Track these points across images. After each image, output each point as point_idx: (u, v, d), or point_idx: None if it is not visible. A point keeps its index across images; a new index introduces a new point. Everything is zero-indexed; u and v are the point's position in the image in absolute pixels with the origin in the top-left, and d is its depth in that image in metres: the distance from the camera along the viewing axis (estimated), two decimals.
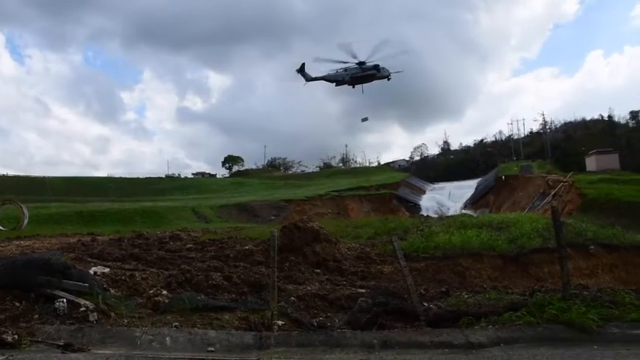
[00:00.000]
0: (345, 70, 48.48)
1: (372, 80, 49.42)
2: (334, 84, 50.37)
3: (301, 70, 50.10)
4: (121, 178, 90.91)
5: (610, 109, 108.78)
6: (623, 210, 36.70)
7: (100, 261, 11.14)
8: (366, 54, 47.58)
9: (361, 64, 47.77)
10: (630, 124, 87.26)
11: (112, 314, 7.03)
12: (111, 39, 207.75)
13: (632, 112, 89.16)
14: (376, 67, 48.06)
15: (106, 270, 9.60)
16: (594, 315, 7.05)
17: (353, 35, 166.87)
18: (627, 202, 40.83)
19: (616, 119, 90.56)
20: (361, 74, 48.34)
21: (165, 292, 8.20)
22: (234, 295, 8.41)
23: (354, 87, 50.08)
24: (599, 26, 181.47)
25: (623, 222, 26.14)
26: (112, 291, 8.24)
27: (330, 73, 49.29)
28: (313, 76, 49.98)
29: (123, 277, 8.98)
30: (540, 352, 6.23)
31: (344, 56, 47.97)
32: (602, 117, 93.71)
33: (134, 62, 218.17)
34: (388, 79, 50.16)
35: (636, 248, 15.57)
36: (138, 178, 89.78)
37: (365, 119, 60.06)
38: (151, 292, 8.19)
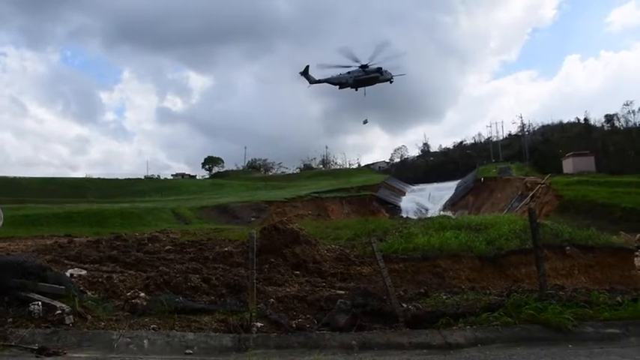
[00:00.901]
0: (349, 73, 48.88)
1: (374, 83, 49.99)
2: (337, 86, 50.74)
3: (305, 73, 50.39)
4: (99, 179, 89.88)
5: (586, 112, 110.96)
6: (599, 211, 37.43)
7: (77, 263, 11.02)
8: (357, 56, 47.95)
9: (364, 67, 48.22)
10: (605, 128, 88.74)
11: (89, 317, 6.95)
12: (91, 38, 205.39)
13: (607, 116, 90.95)
14: (379, 70, 48.58)
15: (83, 272, 9.49)
16: (570, 315, 7.17)
17: (335, 37, 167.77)
18: (602, 204, 41.62)
19: (592, 122, 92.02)
20: (365, 77, 48.88)
21: (143, 294, 8.13)
22: (212, 297, 8.36)
23: (356, 89, 50.60)
24: (576, 31, 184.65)
25: (598, 223, 26.63)
26: (89, 293, 8.14)
27: (334, 75, 49.67)
28: (317, 78, 50.31)
29: (100, 279, 8.88)
30: (517, 352, 6.32)
31: (343, 60, 48.52)
32: (578, 120, 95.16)
33: (114, 62, 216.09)
34: (390, 82, 50.74)
35: (611, 249, 15.86)
36: (117, 179, 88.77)
37: (365, 122, 60.50)
38: (129, 294, 8.11)
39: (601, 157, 68.11)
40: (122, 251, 13.76)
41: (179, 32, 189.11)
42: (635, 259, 18.11)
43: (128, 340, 6.29)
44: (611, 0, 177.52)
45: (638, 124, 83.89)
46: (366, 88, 50.45)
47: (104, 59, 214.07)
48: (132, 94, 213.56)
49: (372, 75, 48.88)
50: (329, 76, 50.08)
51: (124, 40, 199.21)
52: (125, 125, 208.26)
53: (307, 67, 50.21)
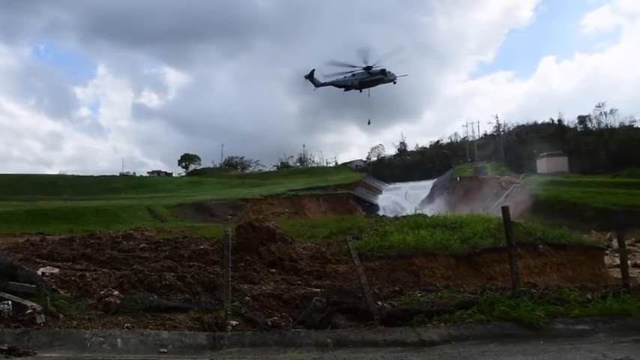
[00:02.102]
0: (353, 75, 49.23)
1: (378, 84, 50.42)
2: (343, 89, 51.06)
3: (310, 76, 50.63)
4: (73, 176, 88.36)
5: (560, 113, 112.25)
6: (571, 210, 38.11)
7: (50, 261, 10.86)
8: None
9: (368, 68, 48.62)
10: (578, 129, 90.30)
11: (61, 316, 6.85)
12: (66, 32, 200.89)
13: (580, 117, 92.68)
14: (383, 71, 49.09)
15: (55, 270, 9.35)
16: (541, 312, 7.31)
17: (315, 35, 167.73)
18: (574, 204, 42.41)
19: (565, 123, 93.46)
20: (369, 79, 49.25)
21: (117, 292, 8.04)
22: (187, 296, 8.31)
23: (361, 91, 50.91)
24: (551, 33, 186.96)
25: (570, 222, 27.12)
26: (62, 292, 8.01)
27: (339, 78, 50.07)
28: (322, 81, 50.63)
29: (73, 278, 8.75)
30: (490, 349, 6.40)
31: (343, 62, 48.98)
32: (552, 121, 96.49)
33: (89, 57, 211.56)
34: (394, 83, 51.23)
35: (582, 247, 16.19)
36: (91, 176, 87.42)
37: (369, 122, 61.09)
38: (102, 292, 8.02)
39: (574, 158, 69.35)
40: (96, 249, 13.60)
41: (156, 28, 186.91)
42: (605, 257, 18.51)
43: (101, 339, 6.21)
44: (585, 4, 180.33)
45: (609, 125, 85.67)
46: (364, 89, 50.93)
47: (79, 54, 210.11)
48: (107, 89, 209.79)
49: (377, 77, 49.39)
50: (334, 79, 50.54)
51: (101, 35, 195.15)
52: (100, 121, 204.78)
53: (313, 70, 50.63)
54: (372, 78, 49.22)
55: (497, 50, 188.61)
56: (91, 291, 8.26)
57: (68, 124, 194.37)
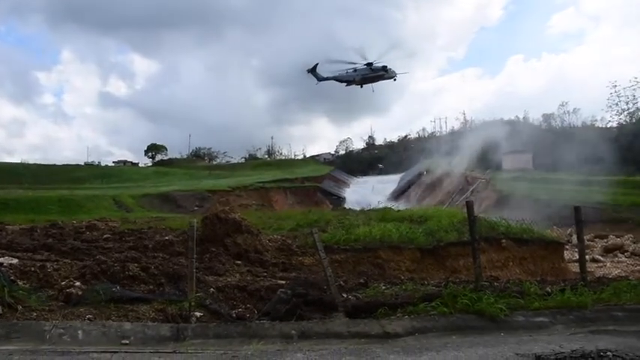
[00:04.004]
0: (355, 70, 49.85)
1: (379, 80, 51.06)
2: (345, 84, 51.51)
3: (313, 70, 51.11)
4: (36, 164, 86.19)
5: (525, 111, 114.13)
6: (533, 206, 38.85)
7: (9, 251, 10.57)
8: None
9: (369, 64, 49.05)
10: (543, 126, 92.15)
11: (19, 307, 6.69)
12: (32, 14, 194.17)
13: (544, 115, 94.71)
14: (384, 68, 49.92)
15: (14, 261, 9.13)
16: (503, 305, 7.50)
17: (288, 27, 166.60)
18: (536, 199, 43.35)
19: (530, 121, 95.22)
20: (371, 75, 49.97)
21: (78, 283, 7.90)
22: (151, 287, 8.21)
23: (362, 87, 51.53)
24: (520, 32, 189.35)
25: (532, 217, 27.61)
26: (21, 283, 7.82)
27: (342, 73, 50.49)
28: (325, 75, 51.19)
29: (33, 268, 8.54)
30: (452, 340, 6.54)
31: (347, 57, 50.09)
32: (518, 118, 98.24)
33: (54, 41, 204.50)
34: (394, 80, 51.88)
35: (543, 242, 16.61)
36: (55, 165, 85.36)
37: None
38: (64, 283, 7.87)
39: (538, 155, 70.69)
40: (58, 239, 13.35)
41: (127, 13, 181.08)
42: (566, 252, 19.01)
43: (61, 330, 6.10)
44: (552, 5, 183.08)
45: (572, 124, 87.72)
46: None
47: (42, 37, 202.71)
48: (73, 75, 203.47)
49: (378, 73, 50.16)
50: (336, 74, 51.06)
51: (69, 19, 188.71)
52: (65, 109, 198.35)
53: (316, 64, 51.55)
54: (373, 74, 50.19)
55: (468, 47, 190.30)
56: (51, 282, 8.09)
57: (31, 110, 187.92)
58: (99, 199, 41.81)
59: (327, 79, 51.63)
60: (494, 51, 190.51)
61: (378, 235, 13.93)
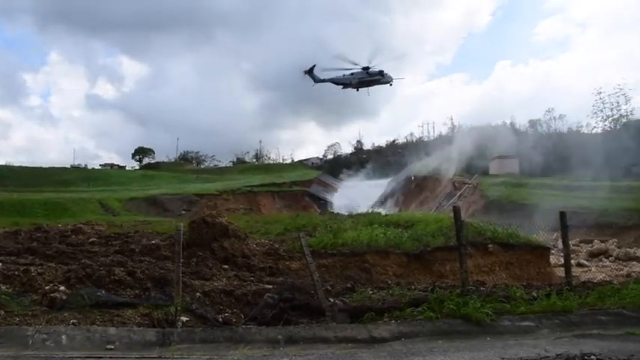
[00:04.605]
0: (352, 74, 49.99)
1: (375, 84, 51.40)
2: (341, 87, 51.76)
3: (310, 72, 51.17)
4: (21, 167, 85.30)
5: (512, 116, 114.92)
6: (519, 211, 39.13)
7: None
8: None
9: (366, 69, 49.33)
10: (529, 132, 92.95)
11: (2, 312, 6.62)
12: (21, 15, 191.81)
13: (530, 121, 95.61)
14: (381, 72, 50.18)
15: None
16: (489, 309, 7.52)
17: (278, 30, 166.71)
18: (522, 204, 43.69)
19: (517, 126, 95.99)
20: (368, 79, 50.27)
21: (63, 287, 7.81)
22: (137, 291, 8.15)
23: (357, 90, 51.81)
24: (508, 38, 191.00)
25: (519, 222, 27.81)
26: (3, 287, 7.73)
27: (338, 76, 50.72)
28: (322, 77, 51.49)
29: (16, 272, 8.43)
30: (438, 345, 6.55)
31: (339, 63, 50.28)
32: (505, 124, 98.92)
33: (42, 42, 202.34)
34: (390, 85, 52.26)
35: (529, 247, 16.69)
36: (41, 168, 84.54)
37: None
38: (48, 287, 7.77)
39: (524, 160, 71.24)
40: (43, 243, 13.25)
41: (116, 15, 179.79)
42: (551, 256, 19.13)
43: (45, 336, 6.02)
44: (539, 12, 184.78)
45: (558, 130, 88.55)
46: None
47: (30, 38, 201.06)
48: (60, 77, 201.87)
49: (375, 77, 50.48)
50: (333, 76, 51.30)
51: (57, 20, 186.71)
52: (52, 111, 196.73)
53: (313, 66, 51.74)
54: (370, 78, 50.51)
55: (456, 52, 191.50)
56: (35, 286, 8.00)
57: (17, 112, 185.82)
58: (85, 202, 41.58)
59: (324, 81, 51.92)
60: (482, 56, 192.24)
61: (365, 240, 13.95)
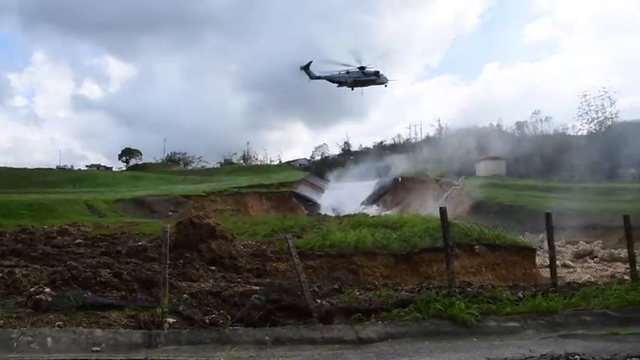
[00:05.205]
0: (348, 72, 50.06)
1: (370, 85, 51.53)
2: (336, 85, 51.82)
3: (306, 68, 51.19)
4: (6, 167, 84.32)
5: (499, 118, 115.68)
6: (506, 212, 39.54)
7: None
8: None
9: (362, 68, 49.43)
10: (516, 134, 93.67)
11: None
12: (5, 14, 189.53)
13: (517, 123, 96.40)
14: (377, 73, 50.40)
15: None
16: (475, 310, 7.56)
17: (267, 31, 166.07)
18: (509, 206, 44.06)
19: (504, 128, 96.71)
20: (363, 78, 50.42)
21: (48, 289, 7.75)
22: (124, 293, 8.12)
23: (352, 89, 51.93)
24: (496, 40, 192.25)
25: (505, 223, 28.11)
26: None
27: (334, 73, 50.79)
28: (317, 74, 51.58)
29: (1, 274, 8.39)
30: (425, 346, 6.58)
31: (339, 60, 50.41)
32: (492, 125, 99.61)
33: (27, 42, 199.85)
34: (385, 86, 52.44)
35: (515, 248, 16.84)
36: (26, 169, 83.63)
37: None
38: (33, 289, 7.70)
39: (511, 162, 71.83)
40: (28, 244, 13.15)
41: (103, 15, 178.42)
42: (538, 257, 19.31)
43: (29, 338, 5.97)
44: (527, 14, 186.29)
45: (544, 132, 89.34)
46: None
47: (14, 38, 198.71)
48: (45, 78, 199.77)
49: (370, 77, 50.66)
50: (329, 74, 51.34)
51: (43, 20, 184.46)
52: (37, 111, 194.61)
53: (309, 62, 51.91)
54: (365, 78, 50.64)
55: (444, 54, 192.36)
56: (20, 288, 7.95)
57: (2, 112, 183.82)
58: (71, 203, 41.22)
59: (320, 78, 52.16)
60: (470, 58, 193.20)
61: (353, 241, 13.98)
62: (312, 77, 52.09)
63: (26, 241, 13.96)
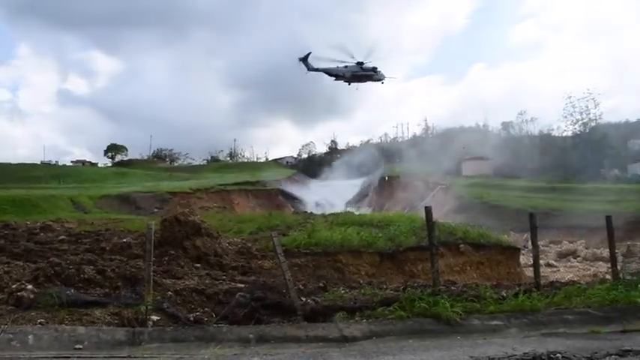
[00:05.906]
0: (346, 66, 50.13)
1: (368, 80, 51.66)
2: (333, 78, 51.86)
3: (304, 60, 50.99)
4: None
5: (485, 118, 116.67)
6: (491, 211, 39.82)
7: None
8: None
9: (360, 64, 49.46)
10: (502, 134, 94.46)
11: None
12: None
13: (503, 123, 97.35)
14: (374, 69, 50.48)
15: None
16: (459, 308, 7.60)
17: (253, 29, 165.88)
18: (494, 205, 44.39)
19: (490, 128, 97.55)
20: (361, 73, 50.56)
21: (30, 286, 7.66)
22: (107, 290, 8.06)
23: (349, 84, 52.01)
24: (483, 41, 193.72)
25: (491, 223, 28.30)
26: None
27: (332, 67, 50.81)
28: (315, 66, 51.54)
29: None
30: (408, 344, 6.61)
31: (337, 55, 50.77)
32: (478, 125, 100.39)
33: (12, 35, 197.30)
34: (382, 83, 52.46)
35: (500, 247, 16.97)
36: (9, 164, 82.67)
37: None
38: (14, 286, 7.62)
39: (497, 162, 72.39)
40: (10, 240, 13.00)
41: (90, 9, 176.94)
42: (522, 256, 19.48)
43: (10, 336, 5.90)
44: (514, 16, 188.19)
45: (530, 132, 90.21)
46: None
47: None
48: (30, 72, 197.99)
49: (368, 73, 50.77)
50: (326, 67, 51.34)
51: (29, 13, 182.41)
52: (20, 105, 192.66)
53: (308, 53, 52.08)
54: (362, 73, 50.69)
55: (432, 54, 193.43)
56: (1, 285, 7.86)
57: None
58: (55, 199, 40.80)
59: (318, 70, 52.17)
60: (457, 58, 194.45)
61: (338, 240, 14.00)
62: (310, 69, 52.10)
63: (8, 237, 13.80)
